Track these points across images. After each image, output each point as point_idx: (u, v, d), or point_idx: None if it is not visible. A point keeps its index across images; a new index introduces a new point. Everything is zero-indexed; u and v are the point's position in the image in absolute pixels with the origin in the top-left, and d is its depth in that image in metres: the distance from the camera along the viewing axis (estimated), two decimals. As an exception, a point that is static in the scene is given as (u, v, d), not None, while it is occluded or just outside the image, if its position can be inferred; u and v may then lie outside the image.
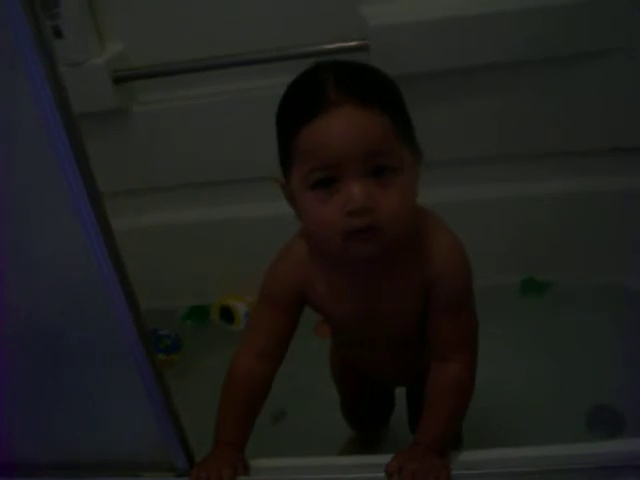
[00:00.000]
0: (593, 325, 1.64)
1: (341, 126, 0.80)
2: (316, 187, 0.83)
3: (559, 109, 1.64)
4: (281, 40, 1.60)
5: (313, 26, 1.61)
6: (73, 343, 0.83)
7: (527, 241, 1.76)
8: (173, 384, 0.89)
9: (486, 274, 1.72)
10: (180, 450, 0.88)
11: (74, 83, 1.57)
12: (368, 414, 1.40)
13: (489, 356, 1.34)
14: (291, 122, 0.84)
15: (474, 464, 0.87)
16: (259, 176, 1.76)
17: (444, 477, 0.82)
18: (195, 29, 1.67)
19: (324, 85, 0.82)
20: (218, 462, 0.89)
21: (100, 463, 0.91)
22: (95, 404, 0.88)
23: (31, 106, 0.69)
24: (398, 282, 0.95)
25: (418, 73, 1.60)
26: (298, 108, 0.84)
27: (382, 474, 0.84)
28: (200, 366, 1.71)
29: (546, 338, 1.65)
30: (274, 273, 1.00)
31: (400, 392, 1.38)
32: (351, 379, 1.30)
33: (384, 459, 0.86)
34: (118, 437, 0.90)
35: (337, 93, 0.81)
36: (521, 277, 1.83)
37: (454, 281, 0.93)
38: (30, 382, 0.87)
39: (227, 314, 1.89)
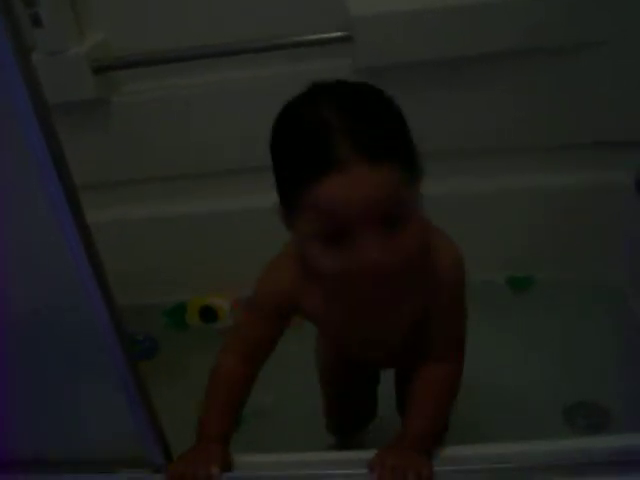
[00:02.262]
0: (577, 322, 1.65)
1: (354, 186, 0.75)
2: (326, 240, 0.80)
3: (542, 102, 1.64)
4: (264, 30, 1.59)
5: (297, 16, 1.59)
6: (46, 337, 0.81)
7: (512, 236, 1.76)
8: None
9: (472, 270, 1.74)
10: (156, 446, 0.87)
11: (53, 72, 1.59)
12: (351, 412, 1.40)
13: (474, 352, 1.35)
14: (298, 172, 0.79)
15: (457, 460, 0.86)
16: (243, 168, 1.76)
17: (425, 473, 0.82)
18: (176, 19, 1.65)
19: (332, 137, 0.76)
20: (198, 456, 0.88)
21: (76, 459, 0.90)
22: (69, 399, 0.87)
23: (3, 96, 0.66)
24: (400, 299, 0.93)
25: (401, 64, 1.59)
26: (305, 159, 0.78)
27: (365, 470, 0.84)
28: (178, 370, 1.68)
29: (531, 335, 1.65)
30: (266, 284, 0.98)
31: (383, 397, 1.38)
32: (337, 366, 1.30)
33: (368, 455, 0.86)
34: (93, 433, 0.89)
35: (346, 149, 0.75)
36: (507, 274, 1.83)
37: (455, 289, 0.94)
38: (2, 377, 0.86)
39: (208, 313, 1.87)
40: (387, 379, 1.34)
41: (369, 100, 0.82)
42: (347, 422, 1.43)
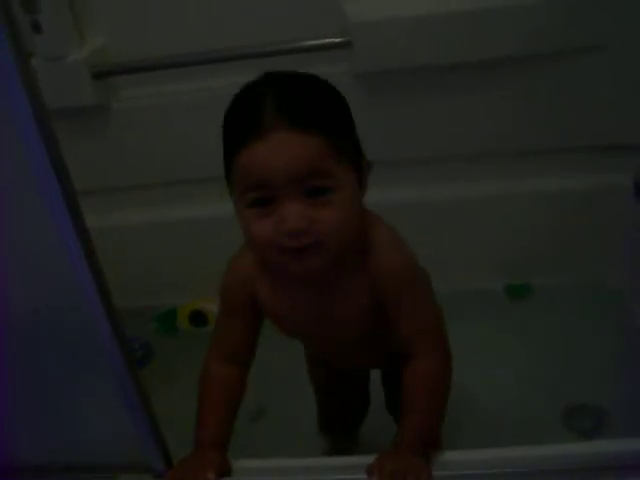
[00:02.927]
0: (577, 323, 1.65)
1: (275, 151, 0.82)
2: (254, 205, 0.85)
3: (541, 107, 1.64)
4: (264, 36, 1.59)
5: (296, 22, 1.60)
6: (45, 341, 0.81)
7: (510, 241, 1.76)
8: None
9: (469, 276, 1.74)
10: (156, 451, 0.87)
11: (53, 78, 1.60)
12: (340, 409, 1.40)
13: (473, 357, 1.35)
14: (230, 142, 0.87)
15: (456, 465, 0.86)
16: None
17: (424, 477, 0.82)
18: (176, 24, 1.66)
19: (261, 107, 0.83)
20: (196, 463, 0.88)
21: (75, 464, 0.90)
22: (69, 404, 0.87)
23: (2, 102, 0.66)
24: (342, 288, 0.96)
25: (400, 69, 1.60)
26: (236, 128, 0.87)
27: (364, 476, 0.83)
28: (172, 375, 1.68)
29: (530, 337, 1.65)
30: (224, 283, 1.03)
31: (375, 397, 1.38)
32: (324, 372, 1.31)
33: (367, 460, 0.85)
34: (93, 438, 0.88)
35: (272, 117, 0.82)
36: (504, 282, 1.83)
37: (399, 278, 0.93)
38: (0, 383, 0.86)
39: (198, 318, 1.87)
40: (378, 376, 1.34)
41: (311, 84, 0.89)
42: (338, 420, 1.42)
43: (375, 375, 1.35)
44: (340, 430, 1.44)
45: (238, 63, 1.63)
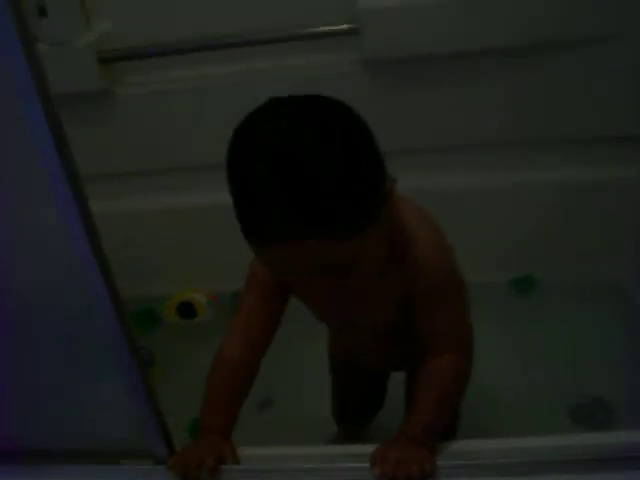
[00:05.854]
0: (581, 320, 1.64)
1: (293, 256, 0.78)
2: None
3: (555, 96, 1.63)
4: (270, 22, 1.58)
5: (303, 8, 1.59)
6: (49, 326, 0.81)
7: (514, 234, 1.74)
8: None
9: (476, 269, 1.73)
10: (159, 437, 0.87)
11: (59, 63, 1.59)
12: (357, 402, 1.40)
13: (477, 350, 1.34)
14: (246, 234, 0.80)
15: (461, 455, 0.86)
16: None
17: (428, 467, 0.81)
18: (183, 9, 1.65)
19: (266, 207, 0.76)
20: (200, 449, 0.88)
21: (77, 450, 0.90)
22: (71, 390, 0.86)
23: (7, 87, 0.66)
24: (372, 285, 0.92)
25: (409, 57, 1.58)
26: (246, 225, 0.79)
27: (368, 464, 0.83)
28: (165, 368, 1.63)
29: (534, 335, 1.64)
30: (253, 265, 1.00)
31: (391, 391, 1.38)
32: (344, 364, 1.31)
33: (370, 449, 0.85)
34: (95, 424, 0.88)
35: (280, 222, 0.75)
36: (511, 275, 1.82)
37: (431, 275, 0.91)
38: (3, 367, 0.86)
39: (186, 310, 1.84)
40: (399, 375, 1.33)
41: (311, 144, 0.76)
42: (350, 411, 1.43)
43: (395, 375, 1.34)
44: (349, 421, 1.44)
45: (244, 50, 1.63)
